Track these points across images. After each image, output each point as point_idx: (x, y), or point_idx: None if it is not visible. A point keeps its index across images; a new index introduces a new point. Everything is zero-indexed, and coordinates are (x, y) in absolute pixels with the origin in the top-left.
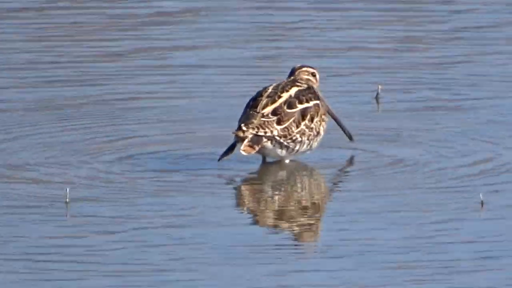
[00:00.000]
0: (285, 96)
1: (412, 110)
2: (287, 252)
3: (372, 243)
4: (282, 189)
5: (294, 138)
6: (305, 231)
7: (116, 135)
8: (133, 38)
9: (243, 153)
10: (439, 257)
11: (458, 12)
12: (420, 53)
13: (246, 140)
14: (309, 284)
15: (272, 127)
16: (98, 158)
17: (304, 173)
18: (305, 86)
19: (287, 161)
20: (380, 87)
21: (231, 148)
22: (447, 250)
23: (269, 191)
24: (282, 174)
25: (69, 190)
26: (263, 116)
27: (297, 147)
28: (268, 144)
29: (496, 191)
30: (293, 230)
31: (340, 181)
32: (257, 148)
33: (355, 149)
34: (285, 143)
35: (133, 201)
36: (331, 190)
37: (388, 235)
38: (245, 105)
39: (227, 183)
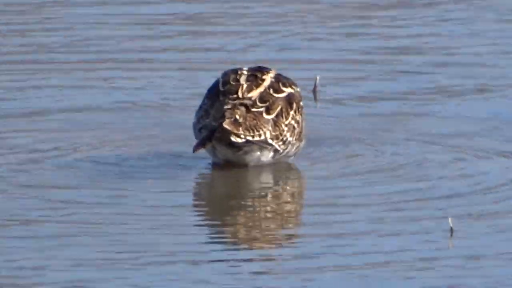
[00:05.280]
0: (267, 78)
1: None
2: None
3: None
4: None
5: (284, 138)
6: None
7: None
8: None
9: (227, 126)
10: None
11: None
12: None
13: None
14: None
15: (264, 126)
16: None
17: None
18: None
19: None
20: (318, 77)
21: (208, 138)
22: None
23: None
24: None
25: None
26: (251, 105)
27: (287, 149)
28: (255, 149)
29: (469, 214)
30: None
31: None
32: (241, 130)
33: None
34: (276, 146)
35: None
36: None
37: None
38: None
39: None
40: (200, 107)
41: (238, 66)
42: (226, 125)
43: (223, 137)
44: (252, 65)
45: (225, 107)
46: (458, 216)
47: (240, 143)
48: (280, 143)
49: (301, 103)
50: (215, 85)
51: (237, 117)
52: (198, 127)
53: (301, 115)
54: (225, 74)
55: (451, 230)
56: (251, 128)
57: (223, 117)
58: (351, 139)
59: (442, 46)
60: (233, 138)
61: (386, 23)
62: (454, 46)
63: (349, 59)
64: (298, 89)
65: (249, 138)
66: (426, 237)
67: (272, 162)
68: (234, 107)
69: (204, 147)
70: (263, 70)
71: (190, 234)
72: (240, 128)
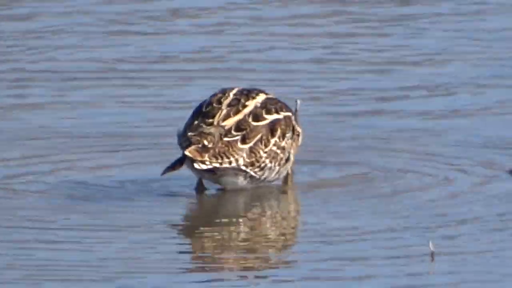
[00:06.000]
0: (251, 104)
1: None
2: None
3: None
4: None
5: (262, 165)
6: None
7: None
8: None
9: (188, 154)
10: None
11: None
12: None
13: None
14: None
15: (237, 153)
16: None
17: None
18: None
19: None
20: (299, 101)
21: (179, 162)
22: None
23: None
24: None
25: None
26: (223, 134)
27: (265, 175)
28: (229, 173)
29: (450, 237)
30: None
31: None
32: (206, 157)
33: None
34: (251, 173)
35: None
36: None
37: None
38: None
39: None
40: (186, 122)
41: (230, 86)
42: (187, 152)
43: (188, 162)
44: (247, 86)
45: (190, 133)
46: (440, 238)
47: (205, 169)
48: (257, 169)
49: (296, 127)
50: (202, 103)
51: (206, 142)
52: (178, 142)
53: (293, 140)
54: (214, 94)
55: (432, 254)
56: (220, 155)
57: (189, 143)
58: (330, 160)
59: (419, 68)
60: (196, 165)
61: (365, 43)
62: (427, 67)
63: (327, 78)
64: (288, 114)
65: (216, 164)
66: (406, 261)
67: (251, 187)
68: (200, 134)
69: (174, 170)
70: (251, 94)
71: (168, 253)
72: (206, 155)
